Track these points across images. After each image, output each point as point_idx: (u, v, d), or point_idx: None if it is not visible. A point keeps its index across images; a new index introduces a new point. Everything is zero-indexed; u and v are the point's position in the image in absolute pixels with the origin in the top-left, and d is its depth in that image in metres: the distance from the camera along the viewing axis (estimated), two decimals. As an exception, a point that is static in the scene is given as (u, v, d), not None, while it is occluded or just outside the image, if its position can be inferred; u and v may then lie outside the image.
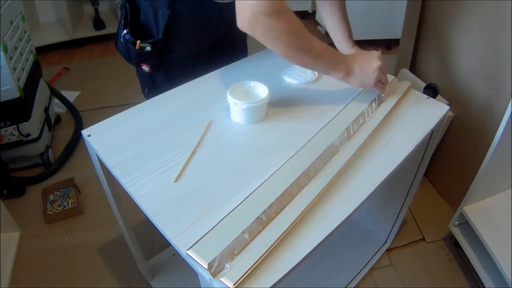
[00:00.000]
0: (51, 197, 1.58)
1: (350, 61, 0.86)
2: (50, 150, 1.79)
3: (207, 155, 0.80)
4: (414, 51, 1.67)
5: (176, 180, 0.74)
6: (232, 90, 0.88)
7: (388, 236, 1.40)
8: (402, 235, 1.47)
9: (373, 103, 0.93)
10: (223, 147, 0.83)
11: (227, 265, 0.60)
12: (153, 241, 1.40)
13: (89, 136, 0.85)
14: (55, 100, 2.13)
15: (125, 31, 0.98)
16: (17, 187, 1.63)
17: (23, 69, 1.66)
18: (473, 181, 1.21)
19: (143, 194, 0.72)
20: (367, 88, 0.92)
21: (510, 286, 1.06)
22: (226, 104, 0.88)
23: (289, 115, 0.92)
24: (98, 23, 2.77)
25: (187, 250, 0.61)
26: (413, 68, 1.71)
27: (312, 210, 0.69)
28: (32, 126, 1.63)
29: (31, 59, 1.79)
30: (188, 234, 0.64)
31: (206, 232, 0.64)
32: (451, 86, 1.46)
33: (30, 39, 1.81)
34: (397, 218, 1.30)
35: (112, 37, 1.05)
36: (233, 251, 0.61)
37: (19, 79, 1.59)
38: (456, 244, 1.40)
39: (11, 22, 1.60)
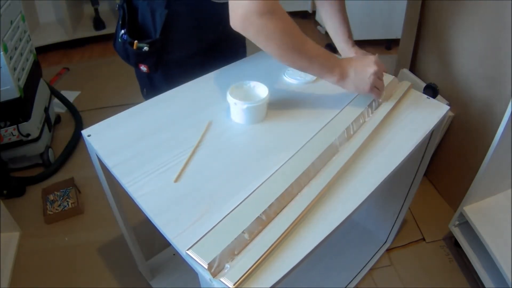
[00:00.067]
0: (51, 197, 1.58)
1: (345, 65, 0.85)
2: (50, 150, 1.79)
3: (207, 155, 0.80)
4: (414, 51, 1.67)
5: (176, 180, 0.74)
6: (232, 90, 0.88)
7: (388, 236, 1.40)
8: (402, 235, 1.47)
9: (373, 103, 0.93)
10: (223, 147, 0.83)
11: (227, 265, 0.60)
12: (153, 241, 1.40)
13: (89, 136, 0.85)
14: (55, 100, 2.13)
15: (122, 31, 0.98)
16: (17, 187, 1.63)
17: (23, 69, 1.66)
18: (473, 181, 1.21)
19: (143, 194, 0.72)
20: (362, 93, 0.91)
21: (510, 286, 1.06)
22: (226, 104, 0.88)
23: (289, 115, 0.92)
24: (98, 23, 2.77)
25: (187, 250, 0.61)
26: (413, 68, 1.71)
27: (312, 210, 0.69)
28: (32, 126, 1.63)
29: (31, 59, 1.79)
30: (188, 234, 0.64)
31: (206, 232, 0.64)
32: (451, 86, 1.46)
33: (30, 39, 1.81)
34: (397, 218, 1.30)
35: (112, 37, 1.05)
36: (233, 251, 0.61)
37: (19, 79, 1.59)
38: (456, 244, 1.40)
39: (11, 22, 1.60)
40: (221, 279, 0.58)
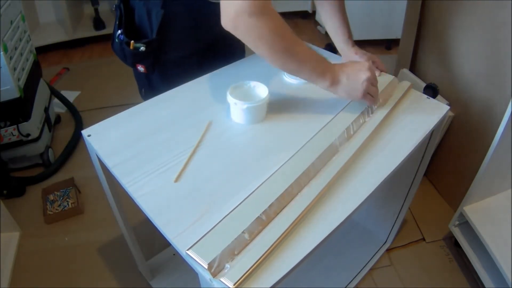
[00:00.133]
0: (51, 197, 1.58)
1: (337, 71, 0.83)
2: (50, 150, 1.79)
3: (207, 155, 0.80)
4: (414, 51, 1.67)
5: (176, 180, 0.74)
6: (232, 90, 0.88)
7: (388, 236, 1.40)
8: (402, 235, 1.47)
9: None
10: (223, 147, 0.83)
11: (227, 265, 0.60)
12: (153, 241, 1.40)
13: (89, 136, 0.85)
14: (55, 100, 2.13)
15: (119, 32, 0.98)
16: (17, 187, 1.63)
17: (23, 69, 1.66)
18: (473, 181, 1.21)
19: (143, 194, 0.72)
20: (355, 100, 0.89)
21: (510, 286, 1.06)
22: (226, 104, 0.88)
23: (289, 115, 0.92)
24: (98, 23, 2.77)
25: (187, 250, 0.61)
26: (413, 68, 1.71)
27: (312, 210, 0.70)
28: (32, 126, 1.63)
29: (31, 59, 1.79)
30: (188, 234, 0.64)
31: (206, 232, 0.64)
32: (451, 86, 1.46)
33: (30, 39, 1.81)
34: (397, 218, 1.31)
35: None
36: (233, 251, 0.61)
37: (19, 79, 1.59)
38: (456, 244, 1.40)
39: (11, 22, 1.61)
40: (221, 279, 0.58)
